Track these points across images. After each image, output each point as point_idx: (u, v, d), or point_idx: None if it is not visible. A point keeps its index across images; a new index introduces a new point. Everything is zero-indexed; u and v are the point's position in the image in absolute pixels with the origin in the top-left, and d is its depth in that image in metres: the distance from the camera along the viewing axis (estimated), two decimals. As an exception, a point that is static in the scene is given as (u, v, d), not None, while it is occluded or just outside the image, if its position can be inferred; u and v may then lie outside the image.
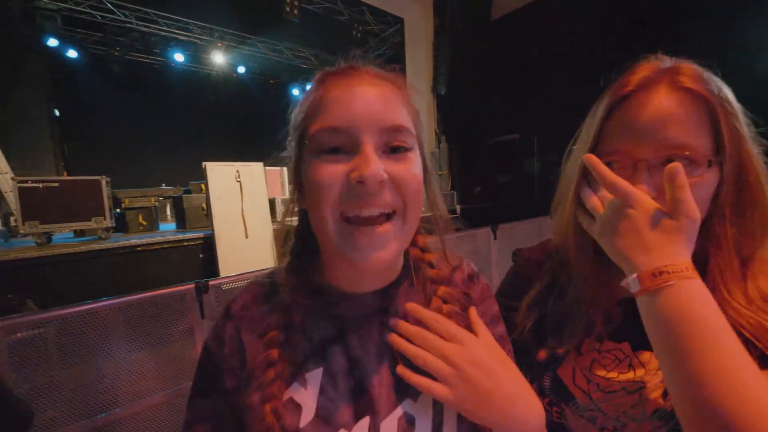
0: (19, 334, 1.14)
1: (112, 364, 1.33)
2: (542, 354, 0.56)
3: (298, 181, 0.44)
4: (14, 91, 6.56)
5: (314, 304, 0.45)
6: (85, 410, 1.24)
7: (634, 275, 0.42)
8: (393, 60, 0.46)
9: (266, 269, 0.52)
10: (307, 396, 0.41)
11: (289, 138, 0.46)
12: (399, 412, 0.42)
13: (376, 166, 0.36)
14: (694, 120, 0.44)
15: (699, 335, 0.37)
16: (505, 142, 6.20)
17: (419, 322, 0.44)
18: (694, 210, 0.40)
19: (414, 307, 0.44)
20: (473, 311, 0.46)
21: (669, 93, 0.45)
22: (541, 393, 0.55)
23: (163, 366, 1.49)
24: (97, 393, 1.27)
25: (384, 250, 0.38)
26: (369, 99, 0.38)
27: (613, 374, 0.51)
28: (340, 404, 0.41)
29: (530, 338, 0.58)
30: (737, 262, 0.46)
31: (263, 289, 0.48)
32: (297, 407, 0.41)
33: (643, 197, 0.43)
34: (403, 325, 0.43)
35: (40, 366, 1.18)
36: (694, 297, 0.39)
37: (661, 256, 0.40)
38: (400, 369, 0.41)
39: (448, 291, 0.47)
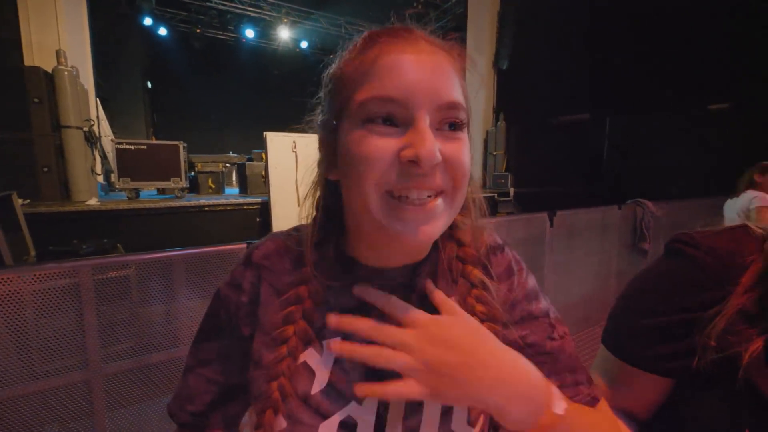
0: (107, 274, 1.38)
1: (175, 308, 1.49)
2: None
3: (330, 149, 0.41)
4: (118, 65, 7.60)
5: (337, 277, 0.43)
6: (154, 344, 1.44)
7: None
8: (453, 32, 0.43)
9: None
10: (321, 363, 0.40)
11: (323, 102, 0.42)
12: None
13: (432, 145, 0.33)
14: None
15: None
16: (571, 122, 5.68)
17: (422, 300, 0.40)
18: None
19: (363, 290, 0.40)
20: (438, 294, 0.39)
21: None
22: None
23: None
24: (164, 331, 1.46)
25: (431, 226, 0.36)
26: (426, 70, 0.35)
27: None
28: (354, 376, 0.40)
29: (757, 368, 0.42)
30: None
31: (287, 241, 0.46)
32: (311, 373, 0.40)
33: None
34: (346, 320, 0.37)
35: (121, 302, 1.38)
36: None
37: None
38: (359, 389, 0.35)
39: (478, 274, 0.43)
